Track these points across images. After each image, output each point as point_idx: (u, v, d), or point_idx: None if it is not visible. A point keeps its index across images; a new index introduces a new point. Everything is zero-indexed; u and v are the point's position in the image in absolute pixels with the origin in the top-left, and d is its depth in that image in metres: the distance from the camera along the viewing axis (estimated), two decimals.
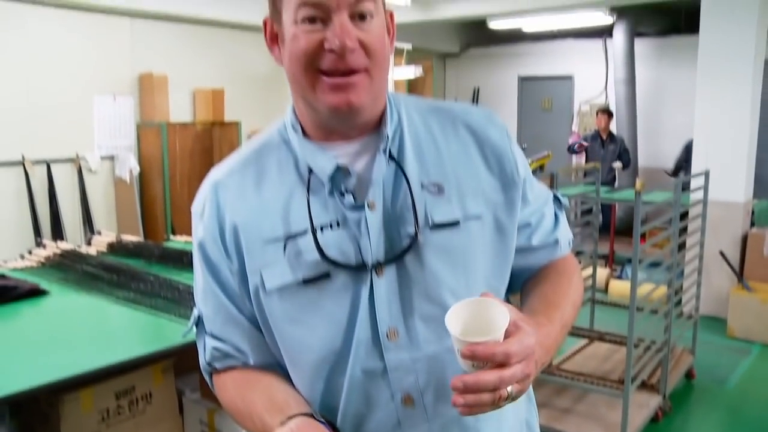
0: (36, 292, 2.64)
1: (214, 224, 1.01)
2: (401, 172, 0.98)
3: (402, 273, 0.96)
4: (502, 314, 0.83)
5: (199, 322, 1.07)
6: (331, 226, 0.96)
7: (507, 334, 0.82)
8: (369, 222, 0.95)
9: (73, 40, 5.73)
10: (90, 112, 5.91)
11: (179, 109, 6.59)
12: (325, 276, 0.95)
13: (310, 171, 0.98)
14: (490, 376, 0.79)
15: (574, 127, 8.81)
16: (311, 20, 0.91)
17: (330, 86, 0.92)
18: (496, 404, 0.81)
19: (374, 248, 0.95)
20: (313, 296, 0.96)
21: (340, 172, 0.97)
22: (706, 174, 4.15)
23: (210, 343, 1.05)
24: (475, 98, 9.76)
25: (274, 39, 1.00)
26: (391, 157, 0.99)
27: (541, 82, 9.27)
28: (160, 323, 2.33)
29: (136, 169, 6.11)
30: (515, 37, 8.95)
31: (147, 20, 6.23)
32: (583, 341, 4.30)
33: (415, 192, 0.96)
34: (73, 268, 3.01)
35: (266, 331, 1.02)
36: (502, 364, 0.80)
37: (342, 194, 0.97)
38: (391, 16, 1.01)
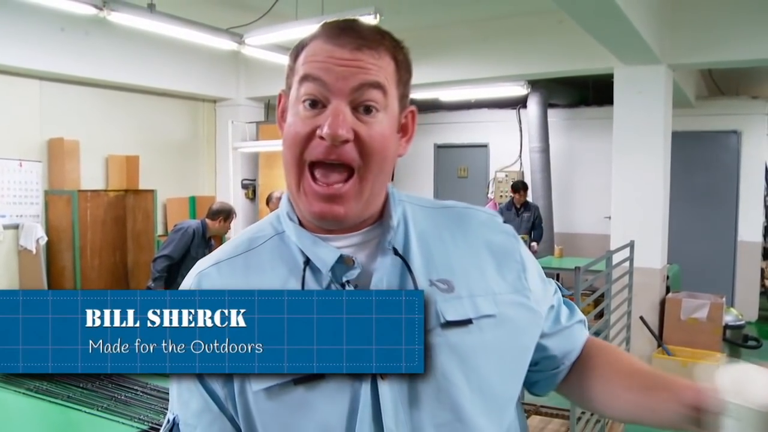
0: None
1: None
2: (407, 268, 0.90)
3: (410, 375, 0.86)
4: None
5: (173, 427, 0.92)
6: None
7: None
8: None
9: None
10: None
11: (91, 177, 6.31)
12: (318, 376, 0.84)
13: (306, 262, 0.89)
14: None
15: (490, 195, 8.99)
16: (312, 104, 0.85)
17: (314, 193, 0.86)
18: None
19: None
20: (305, 397, 0.84)
21: (342, 264, 0.88)
22: (632, 245, 4.26)
23: None
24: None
25: (283, 114, 0.92)
26: (396, 252, 0.91)
27: (457, 150, 9.45)
28: (75, 418, 2.10)
29: (44, 239, 5.76)
30: (432, 106, 9.14)
31: (58, 83, 5.98)
32: None
33: (422, 289, 0.88)
34: None
35: None
36: None
37: (342, 286, 0.88)
38: (413, 114, 0.95)
